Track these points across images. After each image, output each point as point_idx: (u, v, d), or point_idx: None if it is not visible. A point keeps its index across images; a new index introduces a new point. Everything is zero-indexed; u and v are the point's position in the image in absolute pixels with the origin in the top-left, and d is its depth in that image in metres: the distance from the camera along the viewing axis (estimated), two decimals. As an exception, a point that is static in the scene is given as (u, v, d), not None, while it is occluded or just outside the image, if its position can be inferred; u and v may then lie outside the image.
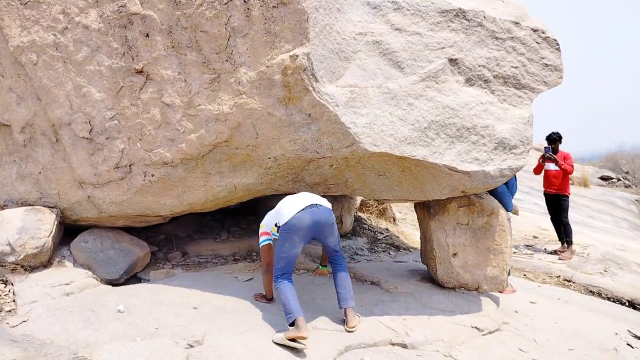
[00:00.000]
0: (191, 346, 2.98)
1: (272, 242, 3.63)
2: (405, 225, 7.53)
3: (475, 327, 3.66)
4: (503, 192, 4.60)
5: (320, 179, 3.99)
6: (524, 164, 3.71)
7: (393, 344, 3.26)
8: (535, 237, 7.64)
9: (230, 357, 2.85)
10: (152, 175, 3.93)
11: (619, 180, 21.26)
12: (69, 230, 4.65)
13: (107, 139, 3.92)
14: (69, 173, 4.13)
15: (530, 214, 9.59)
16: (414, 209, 6.00)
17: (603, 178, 21.50)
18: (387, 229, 6.62)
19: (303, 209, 3.36)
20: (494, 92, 3.83)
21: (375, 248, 6.03)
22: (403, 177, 3.82)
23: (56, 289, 3.74)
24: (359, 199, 6.41)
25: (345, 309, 3.50)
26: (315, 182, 4.04)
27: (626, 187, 20.36)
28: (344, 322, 3.45)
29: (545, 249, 6.85)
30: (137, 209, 4.20)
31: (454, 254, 4.21)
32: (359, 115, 3.41)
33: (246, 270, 4.67)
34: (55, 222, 4.26)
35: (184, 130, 3.69)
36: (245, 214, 6.68)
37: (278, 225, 3.44)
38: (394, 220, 7.05)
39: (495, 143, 3.67)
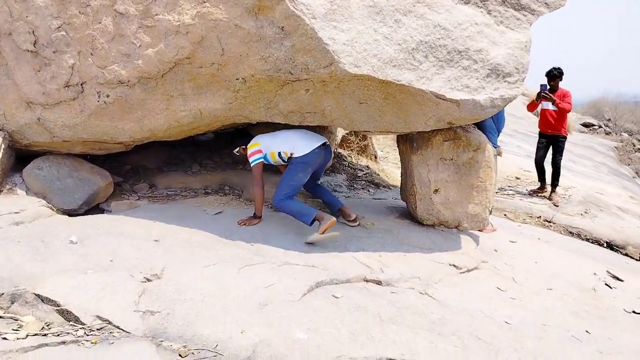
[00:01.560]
0: (148, 280, 2.74)
1: (263, 161, 3.87)
2: (387, 163, 7.29)
3: (453, 265, 3.51)
4: (490, 126, 4.33)
5: (295, 106, 3.63)
6: (517, 93, 3.40)
7: (367, 281, 3.09)
8: (517, 178, 7.50)
9: (191, 291, 2.63)
10: (107, 96, 3.52)
11: (600, 127, 21.27)
12: (22, 157, 4.27)
13: (54, 52, 3.45)
14: (14, 91, 3.68)
15: (513, 156, 9.44)
16: (396, 147, 5.75)
17: (585, 125, 21.47)
18: (367, 167, 6.37)
19: (319, 147, 3.78)
20: (491, 13, 3.44)
21: (355, 185, 5.80)
22: (386, 106, 3.49)
23: (4, 218, 3.42)
24: (339, 134, 6.08)
25: (340, 209, 4.10)
26: (290, 110, 3.69)
27: (607, 134, 20.41)
28: (342, 219, 4.03)
29: (527, 190, 6.73)
30: (93, 134, 3.83)
31: (436, 190, 3.99)
32: (339, 31, 3.02)
33: (216, 204, 4.40)
34: (3, 146, 3.87)
35: (141, 45, 3.25)
36: (219, 147, 6.33)
37: (292, 154, 3.75)
38: (375, 157, 6.79)
39: (489, 69, 3.34)
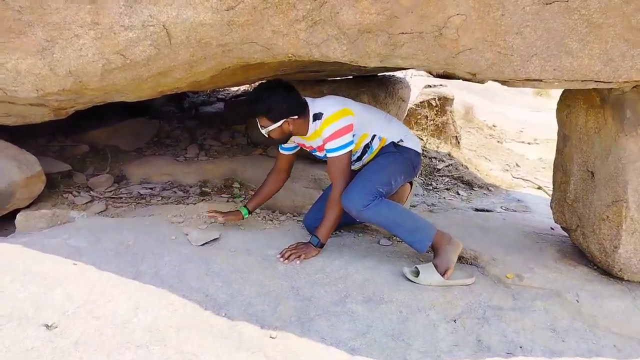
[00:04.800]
0: None
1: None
2: (459, 149, 5.17)
3: None
4: None
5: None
6: None
7: None
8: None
9: None
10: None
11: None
12: None
13: None
14: None
15: None
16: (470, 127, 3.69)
17: None
18: (449, 155, 4.28)
19: None
20: None
21: (435, 184, 3.75)
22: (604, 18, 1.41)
23: None
24: (407, 103, 3.98)
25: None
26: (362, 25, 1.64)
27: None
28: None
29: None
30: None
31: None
32: None
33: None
34: None
35: None
36: (233, 121, 4.34)
37: (401, 142, 2.19)
38: (457, 141, 4.70)
39: None
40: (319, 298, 1.75)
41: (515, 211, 3.26)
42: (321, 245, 2.06)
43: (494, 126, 6.91)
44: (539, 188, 4.17)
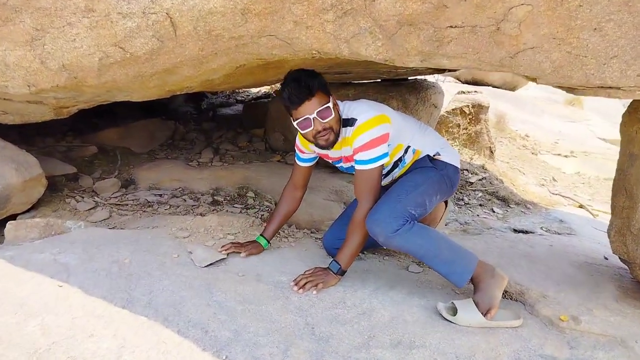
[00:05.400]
0: None
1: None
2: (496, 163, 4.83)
3: None
4: None
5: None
6: None
7: None
8: None
9: None
10: None
11: None
12: None
13: None
14: None
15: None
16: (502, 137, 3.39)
17: None
18: (483, 168, 3.95)
19: None
20: None
21: (467, 199, 3.43)
22: None
23: None
24: (439, 110, 3.67)
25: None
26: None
27: None
28: None
29: None
30: None
31: None
32: None
33: (221, 232, 2.16)
34: None
35: None
36: (251, 124, 4.12)
37: (438, 156, 1.90)
38: (491, 152, 4.36)
39: None
40: (338, 339, 1.47)
41: (558, 234, 2.92)
42: (342, 273, 1.79)
43: (526, 136, 6.53)
44: (581, 206, 3.81)
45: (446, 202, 2.18)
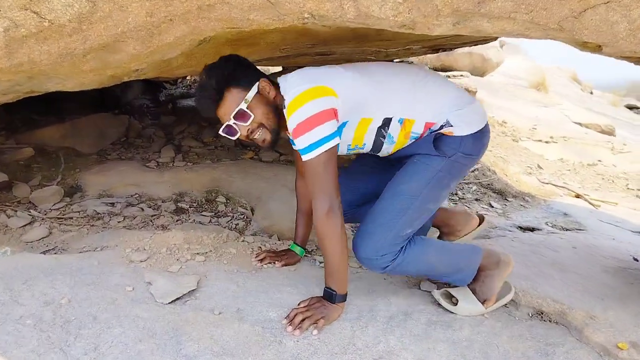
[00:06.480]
0: None
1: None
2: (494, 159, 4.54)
3: None
4: None
5: None
6: None
7: None
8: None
9: None
10: None
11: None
12: None
13: None
14: None
15: None
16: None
17: (629, 107, 18.67)
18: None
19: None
20: None
21: (461, 193, 3.12)
22: None
23: None
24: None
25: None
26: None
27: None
28: None
29: None
30: None
31: None
32: None
33: (188, 252, 1.74)
34: None
35: None
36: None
37: (449, 130, 1.47)
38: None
39: None
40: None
41: (567, 229, 2.65)
42: (343, 299, 1.41)
43: (504, 122, 6.32)
44: (578, 196, 3.58)
45: (482, 219, 1.82)
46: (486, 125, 1.53)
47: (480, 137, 1.50)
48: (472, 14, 1.05)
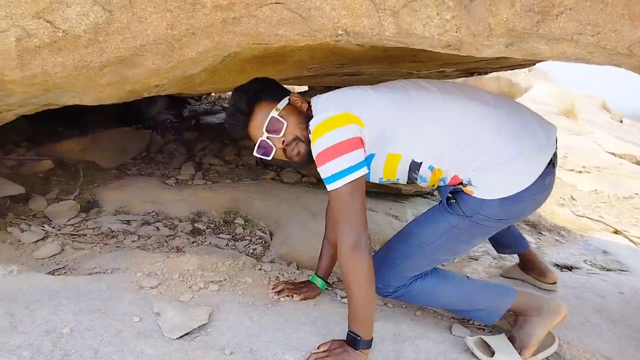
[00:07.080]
0: None
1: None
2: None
3: None
4: None
5: None
6: None
7: None
8: None
9: None
10: None
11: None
12: None
13: None
14: None
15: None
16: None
17: None
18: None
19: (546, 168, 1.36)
20: None
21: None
22: None
23: None
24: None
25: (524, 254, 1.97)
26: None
27: None
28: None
29: None
30: None
31: None
32: None
33: (202, 280, 1.63)
34: None
35: None
36: (234, 133, 3.56)
37: (475, 196, 1.34)
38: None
39: None
40: None
41: (607, 269, 2.45)
42: (368, 345, 1.26)
43: (534, 150, 6.10)
44: (616, 232, 3.36)
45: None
46: (530, 188, 1.31)
47: (513, 203, 1.32)
48: (529, 34, 0.93)
